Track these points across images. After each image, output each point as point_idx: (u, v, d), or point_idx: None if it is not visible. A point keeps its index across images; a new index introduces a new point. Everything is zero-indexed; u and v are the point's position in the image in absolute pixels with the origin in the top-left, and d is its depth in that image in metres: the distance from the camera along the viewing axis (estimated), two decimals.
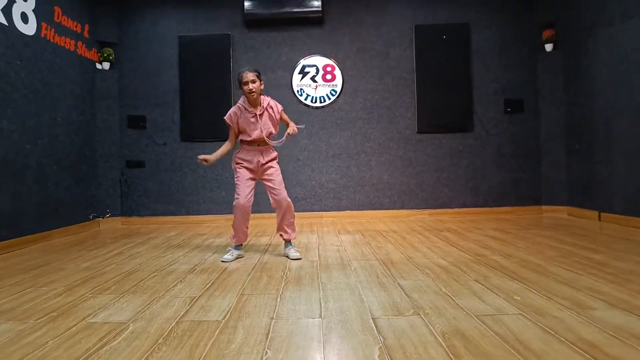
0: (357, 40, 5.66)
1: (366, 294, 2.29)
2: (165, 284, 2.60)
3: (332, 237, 4.22)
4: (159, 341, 1.73)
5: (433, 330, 1.75)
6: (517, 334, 1.69)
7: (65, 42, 4.76)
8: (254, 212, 5.50)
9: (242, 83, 3.14)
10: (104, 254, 3.64)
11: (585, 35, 4.87)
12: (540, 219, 5.15)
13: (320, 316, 1.98)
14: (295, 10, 5.41)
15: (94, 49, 5.37)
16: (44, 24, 4.40)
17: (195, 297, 2.32)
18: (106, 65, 5.49)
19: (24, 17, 4.13)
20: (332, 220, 5.53)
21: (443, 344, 1.62)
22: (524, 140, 5.56)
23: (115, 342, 1.72)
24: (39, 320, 2.00)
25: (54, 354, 1.63)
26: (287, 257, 3.28)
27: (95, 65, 5.40)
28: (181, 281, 2.67)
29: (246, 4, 5.42)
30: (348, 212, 5.62)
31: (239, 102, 3.25)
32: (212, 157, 3.26)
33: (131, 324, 1.92)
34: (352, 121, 5.65)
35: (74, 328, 1.89)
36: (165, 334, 1.80)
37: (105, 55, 5.45)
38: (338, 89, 5.65)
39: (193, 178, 5.64)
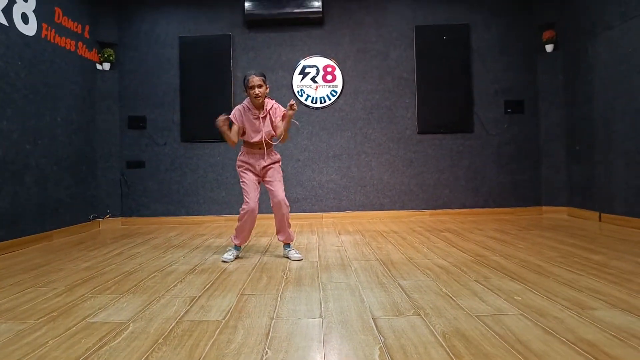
0: (358, 40, 5.66)
1: (366, 294, 2.29)
2: (165, 284, 2.60)
3: (332, 238, 4.22)
4: (159, 341, 1.72)
5: (433, 331, 1.75)
6: (518, 335, 1.69)
7: (65, 43, 4.76)
8: None
9: (248, 87, 3.15)
10: (104, 254, 3.64)
11: (585, 36, 4.87)
12: (541, 219, 5.15)
13: (320, 316, 1.97)
14: (295, 10, 5.41)
15: (94, 49, 5.38)
16: (44, 25, 4.40)
17: (195, 297, 2.32)
18: (106, 66, 5.49)
19: (25, 18, 4.14)
20: (333, 220, 5.53)
21: (443, 344, 1.62)
22: (524, 141, 5.56)
23: (115, 342, 1.72)
24: (39, 320, 2.00)
25: (53, 354, 1.63)
26: (288, 258, 3.28)
27: (95, 66, 5.40)
28: (181, 281, 2.66)
29: (246, 4, 5.42)
30: (348, 213, 5.62)
31: (244, 102, 3.25)
32: (226, 126, 3.18)
33: (131, 324, 1.92)
34: (353, 122, 5.65)
35: (74, 328, 1.89)
36: (165, 334, 1.80)
37: (105, 55, 5.45)
38: (338, 90, 5.65)
39: (193, 178, 5.64)
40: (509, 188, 5.56)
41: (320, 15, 5.45)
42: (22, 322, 1.98)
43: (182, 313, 2.06)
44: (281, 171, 3.34)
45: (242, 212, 3.20)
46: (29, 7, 4.20)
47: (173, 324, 1.91)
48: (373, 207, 5.62)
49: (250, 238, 3.31)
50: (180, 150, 5.64)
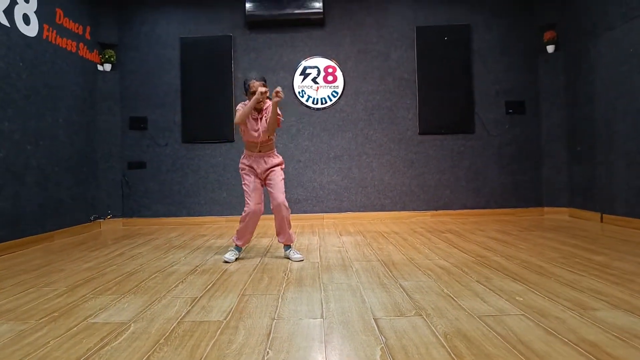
0: (359, 41, 5.67)
1: (368, 295, 2.29)
2: (166, 285, 2.59)
3: (333, 239, 4.21)
4: (160, 341, 1.72)
5: (435, 331, 1.75)
6: (520, 335, 1.68)
7: (66, 44, 4.77)
8: None
9: (249, 92, 3.18)
10: (105, 254, 3.64)
11: (586, 36, 4.87)
12: (542, 220, 5.14)
13: (321, 317, 1.97)
14: (296, 11, 5.41)
15: (95, 50, 5.38)
16: (45, 26, 4.41)
17: (197, 297, 2.32)
18: (107, 67, 5.50)
19: (26, 19, 4.14)
20: (334, 221, 5.52)
21: (445, 345, 1.61)
22: (525, 141, 5.55)
23: (116, 342, 1.72)
24: (41, 321, 2.00)
25: (55, 354, 1.63)
26: (289, 259, 3.27)
27: (96, 67, 5.41)
28: (182, 282, 2.66)
29: (247, 5, 5.43)
30: (349, 214, 5.61)
31: (246, 102, 3.26)
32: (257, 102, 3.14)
33: (132, 324, 1.92)
34: (354, 122, 5.65)
35: (75, 328, 1.89)
36: (167, 334, 1.80)
37: (106, 56, 5.46)
38: (339, 90, 5.65)
39: (194, 179, 5.64)
40: (510, 189, 5.55)
41: (321, 16, 5.45)
42: (24, 323, 1.98)
43: (183, 313, 2.06)
44: (283, 174, 3.35)
45: (244, 214, 3.23)
46: (31, 8, 4.21)
47: (174, 325, 1.91)
48: (374, 208, 5.62)
49: (251, 240, 3.31)
50: (182, 151, 5.65)
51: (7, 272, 3.08)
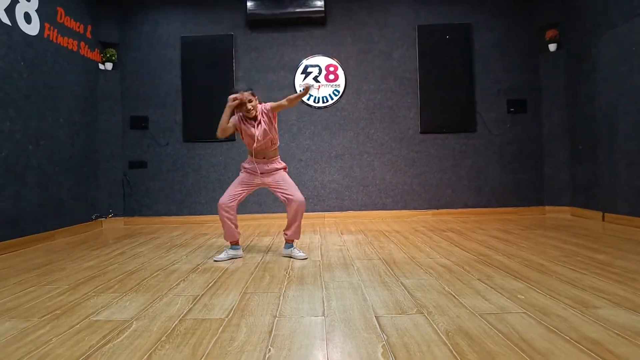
0: (360, 40, 5.66)
1: (369, 293, 2.28)
2: (168, 283, 2.60)
3: (334, 237, 4.21)
4: (162, 339, 1.72)
5: (436, 329, 1.75)
6: (521, 333, 1.68)
7: (68, 43, 4.77)
8: (256, 211, 5.58)
9: (239, 104, 3.16)
10: (107, 253, 3.65)
11: (588, 35, 4.86)
12: (543, 219, 5.13)
13: (323, 314, 1.97)
14: (297, 10, 5.41)
15: (96, 49, 5.39)
16: (46, 25, 4.42)
17: (198, 295, 2.32)
18: (109, 66, 5.50)
19: (27, 18, 4.15)
20: (335, 220, 5.52)
21: (447, 342, 1.61)
22: (527, 140, 5.55)
23: (118, 340, 1.72)
24: (43, 318, 2.01)
25: (57, 351, 1.63)
26: (292, 257, 3.27)
27: (97, 66, 5.41)
28: (184, 280, 2.66)
29: (249, 4, 5.43)
30: (350, 213, 5.61)
31: (240, 113, 3.28)
32: (233, 106, 3.16)
33: (134, 322, 1.92)
34: (355, 121, 5.65)
35: (77, 326, 1.89)
36: (168, 331, 1.80)
37: (108, 55, 5.46)
38: (341, 89, 5.65)
39: (195, 178, 5.65)
40: (511, 188, 5.55)
41: (323, 15, 5.45)
42: (26, 320, 1.99)
43: (185, 311, 2.06)
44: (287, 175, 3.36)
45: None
46: (32, 7, 4.21)
47: (176, 322, 1.91)
48: (375, 207, 5.62)
49: (237, 235, 3.28)
50: (183, 151, 5.65)
51: (10, 270, 3.09)
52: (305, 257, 3.25)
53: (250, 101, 3.14)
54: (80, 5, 5.05)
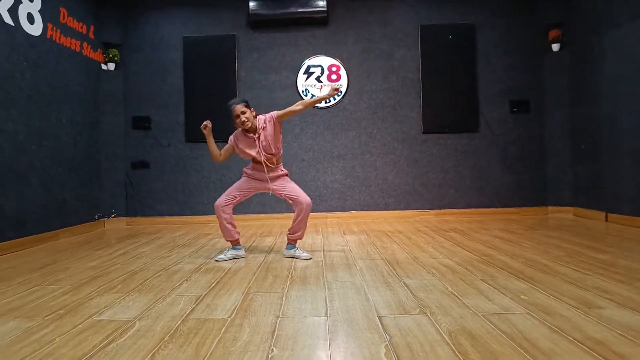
0: (362, 40, 5.66)
1: (372, 293, 2.28)
2: (171, 283, 2.60)
3: (337, 238, 4.21)
4: (165, 339, 1.73)
5: (439, 329, 1.74)
6: (525, 333, 1.68)
7: (70, 43, 4.78)
8: (258, 212, 5.59)
9: (234, 117, 3.16)
10: (110, 253, 3.65)
11: (591, 35, 4.85)
12: (546, 219, 5.12)
13: (326, 315, 1.97)
14: (300, 10, 5.42)
15: (99, 50, 5.40)
16: (49, 25, 4.43)
17: (201, 295, 2.32)
18: (111, 66, 5.51)
19: (30, 18, 4.16)
20: (337, 220, 5.52)
21: (450, 343, 1.61)
22: (529, 140, 5.53)
23: (121, 340, 1.72)
24: (46, 318, 2.01)
25: (61, 351, 1.63)
26: (295, 258, 3.27)
27: (100, 66, 5.42)
28: (187, 280, 2.67)
29: (251, 4, 5.43)
30: (353, 213, 5.61)
31: (236, 132, 3.30)
32: (209, 133, 3.22)
33: (137, 322, 1.92)
34: (357, 121, 5.65)
35: (81, 326, 1.90)
36: (171, 331, 1.80)
37: (110, 56, 5.47)
38: (343, 89, 5.64)
39: (198, 179, 5.65)
40: (514, 188, 5.54)
41: (325, 14, 5.45)
42: (30, 320, 1.99)
43: (188, 311, 2.06)
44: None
45: None
46: (35, 7, 4.22)
47: (179, 322, 1.91)
48: (378, 207, 5.61)
49: (236, 235, 3.29)
50: (185, 151, 5.66)
51: (13, 270, 3.10)
52: (310, 257, 3.25)
53: (243, 112, 3.12)
54: (83, 5, 5.06)
